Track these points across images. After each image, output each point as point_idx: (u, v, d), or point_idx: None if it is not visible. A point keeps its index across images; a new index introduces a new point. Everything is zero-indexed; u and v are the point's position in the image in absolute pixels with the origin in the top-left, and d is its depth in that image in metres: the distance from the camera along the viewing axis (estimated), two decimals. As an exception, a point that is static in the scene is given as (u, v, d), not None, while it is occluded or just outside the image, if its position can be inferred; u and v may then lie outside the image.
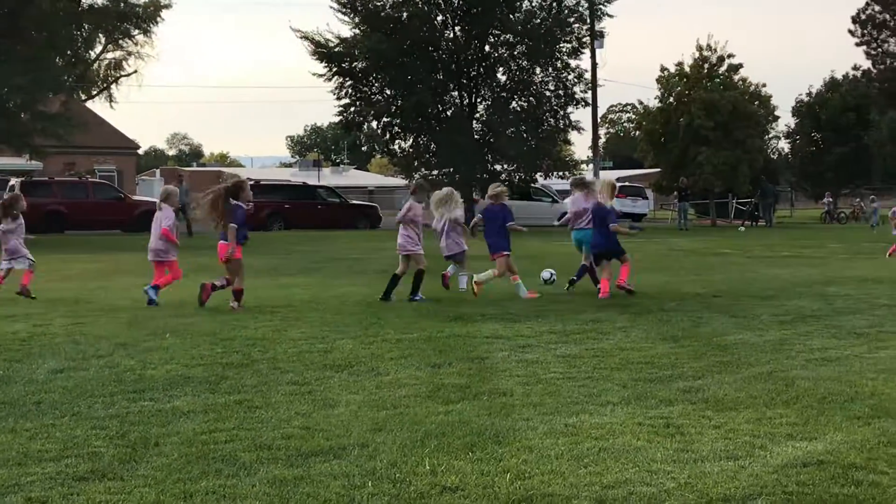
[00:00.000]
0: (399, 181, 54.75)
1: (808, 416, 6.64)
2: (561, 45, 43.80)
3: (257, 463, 5.67)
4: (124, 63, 58.84)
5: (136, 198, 42.49)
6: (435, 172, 44.04)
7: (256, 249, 25.70)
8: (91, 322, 11.52)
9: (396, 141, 45.60)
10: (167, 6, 54.25)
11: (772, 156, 73.20)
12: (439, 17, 43.69)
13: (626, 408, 6.98)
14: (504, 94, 44.33)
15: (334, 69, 42.89)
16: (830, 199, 55.99)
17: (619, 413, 6.82)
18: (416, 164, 44.82)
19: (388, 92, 43.59)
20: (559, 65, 44.23)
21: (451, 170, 42.84)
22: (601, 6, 45.23)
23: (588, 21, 45.47)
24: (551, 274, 16.47)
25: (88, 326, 11.15)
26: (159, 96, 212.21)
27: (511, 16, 42.94)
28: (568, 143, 53.90)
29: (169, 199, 14.40)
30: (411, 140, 45.12)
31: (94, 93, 59.57)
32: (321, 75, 43.04)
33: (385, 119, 43.85)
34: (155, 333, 10.50)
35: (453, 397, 7.36)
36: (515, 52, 43.98)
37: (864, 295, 14.26)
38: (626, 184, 56.78)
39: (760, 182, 49.31)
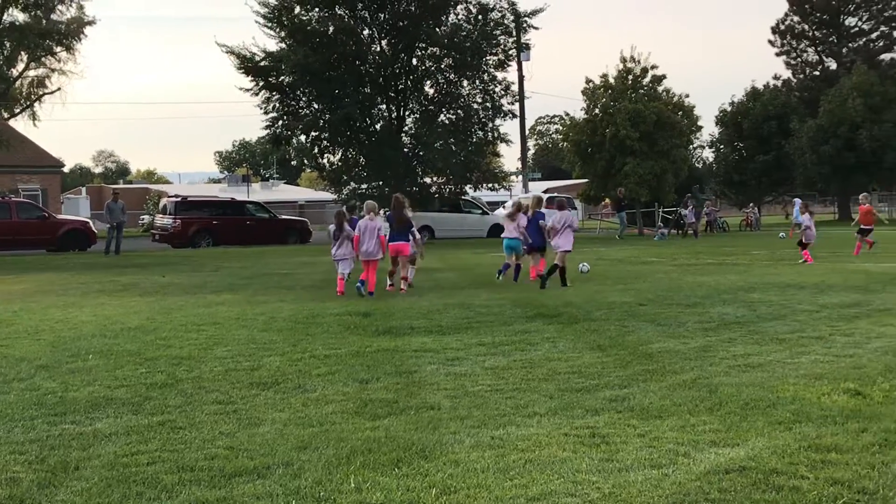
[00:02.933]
0: (329, 195, 54.38)
1: (730, 423, 6.71)
2: (487, 57, 44.03)
3: (179, 485, 5.57)
4: (47, 80, 57.72)
5: (60, 217, 41.74)
6: (364, 186, 43.97)
7: (183, 267, 25.41)
8: (12, 344, 11.27)
9: (325, 155, 45.49)
10: (91, 23, 53.34)
11: (696, 165, 74.40)
12: (366, 31, 43.70)
13: (552, 419, 6.99)
14: (432, 107, 44.44)
15: (261, 83, 42.67)
16: (753, 207, 56.87)
17: (546, 424, 6.83)
18: (345, 177, 44.72)
19: (315, 106, 43.47)
20: (486, 77, 44.45)
21: (381, 183, 42.78)
22: (526, 19, 45.61)
23: (514, 34, 45.79)
24: (586, 266, 20.83)
25: (9, 349, 10.90)
26: (85, 113, 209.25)
27: (437, 29, 43.04)
28: (497, 155, 54.23)
29: None
30: (340, 154, 45.05)
31: (17, 111, 58.41)
32: (248, 90, 42.83)
33: (313, 133, 43.75)
34: (77, 355, 10.30)
35: (381, 413, 7.31)
36: (443, 65, 44.12)
37: (786, 301, 14.49)
38: (555, 195, 57.19)
39: (693, 191, 49.98)
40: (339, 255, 17.67)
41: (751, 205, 57.66)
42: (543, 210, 20.14)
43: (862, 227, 26.62)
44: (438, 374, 8.93)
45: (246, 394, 8.13)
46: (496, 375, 8.75)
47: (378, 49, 43.89)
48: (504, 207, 55.12)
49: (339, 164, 45.20)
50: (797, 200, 47.39)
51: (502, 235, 20.08)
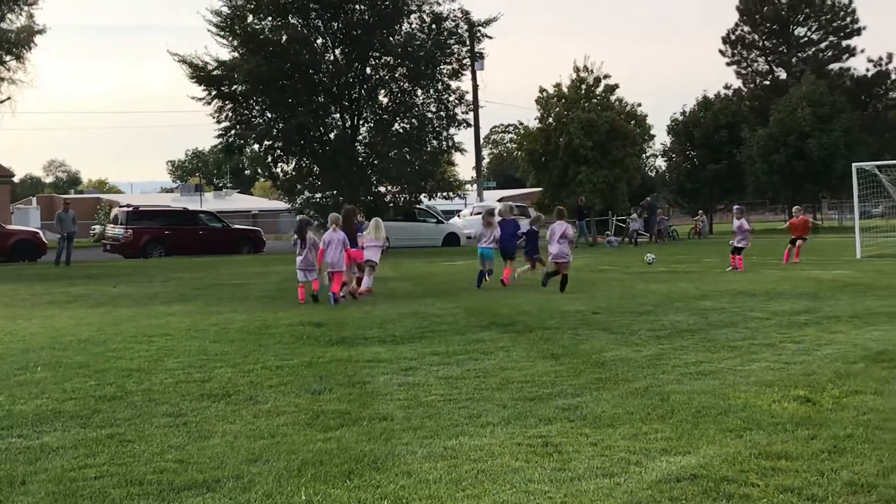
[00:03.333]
0: (283, 205, 54.14)
1: (682, 431, 6.73)
2: (441, 66, 44.08)
3: (127, 499, 5.49)
4: (-3, 90, 56.98)
5: (10, 227, 41.19)
6: (319, 195, 43.83)
7: (134, 277, 25.15)
8: (-42, 357, 11.07)
9: (279, 164, 45.31)
10: (41, 31, 52.83)
11: (649, 173, 74.93)
12: (319, 40, 43.61)
13: (505, 428, 6.98)
14: (386, 116, 44.39)
15: (213, 92, 42.42)
16: (702, 215, 57.27)
17: (499, 434, 6.81)
18: (299, 187, 44.56)
19: (268, 115, 43.27)
20: (440, 86, 44.49)
21: (335, 192, 42.67)
22: (480, 28, 45.73)
23: (467, 43, 45.90)
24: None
25: (-45, 362, 10.71)
26: (35, 123, 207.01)
27: (391, 38, 43.02)
28: (451, 164, 54.29)
29: None
30: (294, 163, 44.88)
31: (-34, 121, 57.66)
32: (200, 99, 42.55)
33: (266, 142, 43.55)
34: (26, 367, 10.14)
35: (333, 424, 7.25)
36: (397, 74, 44.10)
37: (738, 308, 14.62)
38: (510, 203, 57.35)
39: (649, 200, 50.34)
40: (302, 265, 17.71)
41: (699, 212, 58.13)
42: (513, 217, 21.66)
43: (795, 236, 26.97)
44: (391, 384, 8.89)
45: (196, 406, 8.04)
46: (450, 385, 8.72)
47: (332, 58, 43.80)
48: (460, 217, 55.36)
49: (293, 173, 45.06)
50: (738, 207, 47.83)
51: (479, 244, 20.75)
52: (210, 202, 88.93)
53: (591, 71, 51.63)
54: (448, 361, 10.08)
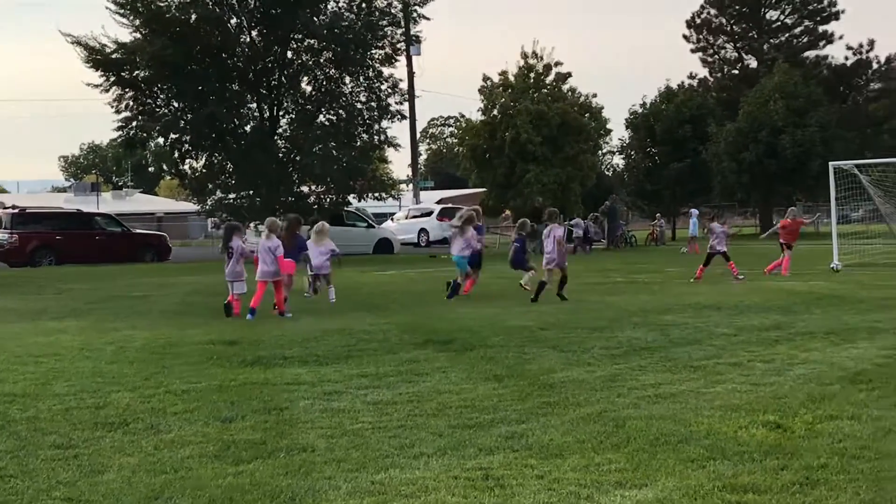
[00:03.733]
0: (192, 206, 53.72)
1: (638, 461, 6.79)
2: (373, 51, 44.00)
3: (8, 544, 5.41)
4: None
5: None
6: (232, 195, 43.54)
7: (20, 289, 24.81)
8: None
9: (187, 160, 44.96)
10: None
11: (606, 172, 75.54)
12: (233, 20, 43.29)
13: (441, 459, 6.99)
14: (310, 107, 44.24)
15: (112, 78, 41.91)
16: (660, 220, 57.77)
17: (434, 466, 6.82)
18: (210, 186, 44.24)
19: (175, 104, 42.89)
20: (371, 73, 44.40)
21: (252, 192, 42.44)
22: (416, 8, 45.72)
23: (402, 25, 45.88)
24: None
25: None
26: None
27: (315, 18, 42.82)
28: (384, 161, 54.30)
29: None
30: (204, 159, 44.54)
31: None
32: (97, 86, 42.03)
33: (173, 135, 43.10)
34: None
35: (245, 456, 7.22)
36: (322, 60, 43.97)
37: (702, 324, 14.78)
38: (449, 205, 57.58)
39: (610, 202, 50.73)
40: (231, 275, 17.98)
41: (658, 216, 58.70)
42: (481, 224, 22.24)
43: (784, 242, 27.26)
44: (313, 410, 8.86)
45: (89, 436, 7.95)
46: (379, 411, 8.72)
47: (248, 40, 43.54)
48: (393, 221, 55.34)
49: (203, 170, 44.73)
50: (694, 211, 48.49)
51: (451, 251, 21.54)
52: (108, 203, 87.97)
53: (541, 57, 52.04)
54: (378, 384, 10.07)
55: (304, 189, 44.38)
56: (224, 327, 15.61)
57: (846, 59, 75.85)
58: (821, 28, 76.10)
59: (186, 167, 45.13)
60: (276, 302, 17.69)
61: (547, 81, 52.04)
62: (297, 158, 43.34)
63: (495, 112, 51.77)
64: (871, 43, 75.23)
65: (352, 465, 6.88)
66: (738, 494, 6.00)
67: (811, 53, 76.74)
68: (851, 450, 6.95)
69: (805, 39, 76.68)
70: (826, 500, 5.85)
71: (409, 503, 5.97)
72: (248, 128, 43.99)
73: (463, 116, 57.65)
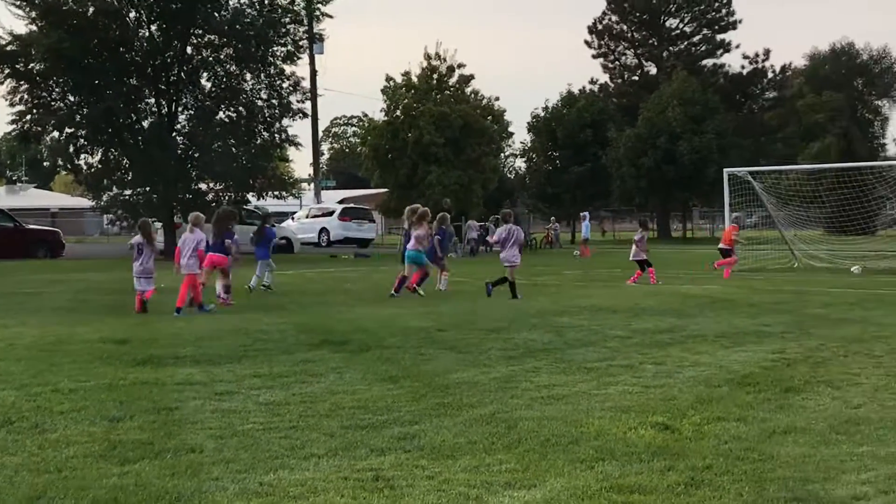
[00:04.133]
0: (87, 202, 52.76)
1: (529, 462, 6.82)
2: (274, 48, 43.69)
3: None
4: None
5: None
6: (129, 192, 42.91)
7: None
8: None
9: (83, 155, 44.13)
10: None
11: (508, 175, 76.02)
12: (132, 14, 42.66)
13: (332, 460, 6.95)
14: (210, 103, 43.77)
15: (6, 71, 41.03)
16: (555, 223, 58.23)
17: (324, 467, 6.78)
18: (106, 181, 43.51)
19: (71, 98, 42.16)
20: (273, 71, 44.12)
21: (148, 189, 41.86)
22: (319, 6, 45.52)
23: (305, 23, 45.63)
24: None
25: None
26: None
27: (216, 14, 42.40)
28: (285, 159, 53.88)
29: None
30: (100, 154, 43.79)
31: None
32: (-10, 78, 41.10)
33: (68, 129, 42.30)
34: None
35: (132, 456, 7.10)
36: (222, 56, 43.56)
37: (598, 326, 14.93)
38: (351, 206, 57.43)
39: (508, 211, 50.96)
40: (138, 273, 18.15)
41: (552, 219, 59.17)
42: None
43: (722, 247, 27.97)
44: (204, 410, 8.76)
45: (-29, 436, 7.77)
46: (271, 412, 8.65)
47: (146, 35, 42.94)
48: (294, 220, 54.97)
49: (99, 165, 43.97)
50: (585, 214, 49.11)
51: (408, 247, 21.80)
52: (1, 198, 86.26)
53: (444, 59, 52.19)
54: (271, 385, 9.99)
55: (203, 186, 43.91)
56: (116, 325, 15.37)
57: (742, 67, 77.47)
58: (718, 37, 77.57)
59: (82, 162, 44.28)
60: (194, 295, 18.03)
61: (450, 83, 52.21)
62: (196, 155, 42.87)
63: (398, 113, 51.79)
64: (767, 52, 76.98)
65: (240, 466, 6.80)
66: (625, 495, 6.05)
67: (709, 62, 78.18)
68: (736, 451, 7.06)
69: (703, 48, 78.07)
70: (710, 501, 5.92)
71: (297, 504, 5.93)
72: (145, 123, 43.39)
73: (366, 116, 57.71)
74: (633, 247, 24.80)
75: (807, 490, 6.09)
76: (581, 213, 51.58)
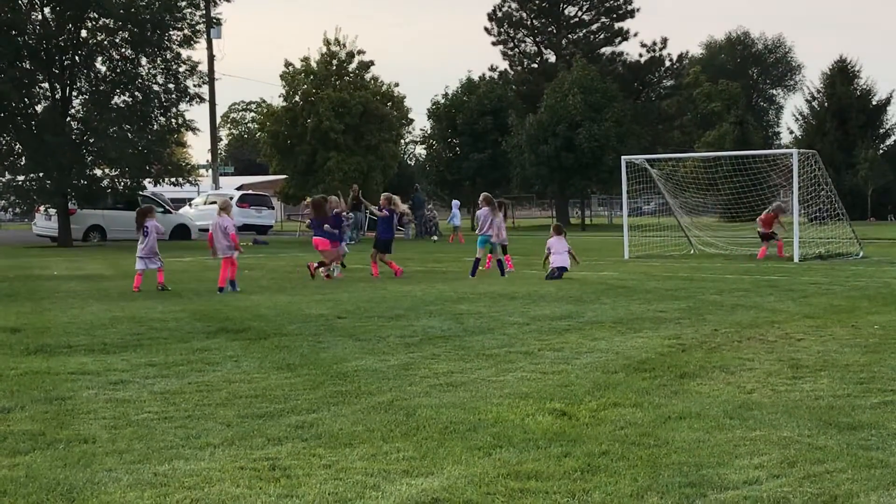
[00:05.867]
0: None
1: (426, 449, 6.83)
2: (171, 32, 43.07)
3: None
4: None
5: None
6: (21, 178, 42.01)
7: None
8: None
9: (-26, 140, 43.07)
10: None
11: (408, 162, 76.00)
12: (24, -4, 41.71)
13: (228, 450, 6.89)
14: (104, 88, 43.00)
15: None
16: (434, 212, 58.15)
17: (220, 456, 6.72)
18: (-2, 168, 42.54)
19: (-39, 82, 41.07)
20: (169, 55, 43.48)
21: (42, 175, 41.01)
22: (216, -10, 45.01)
23: (202, 7, 45.08)
24: None
25: None
26: None
27: (111, -3, 41.64)
28: (182, 145, 53.22)
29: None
30: (-8, 140, 42.79)
31: None
32: None
33: (-42, 114, 41.27)
34: None
35: (22, 448, 6.96)
36: (117, 40, 42.78)
37: (496, 313, 15.00)
38: (250, 192, 56.94)
39: (415, 192, 50.94)
40: (142, 253, 19.73)
41: (429, 207, 59.10)
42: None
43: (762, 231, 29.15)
44: (97, 400, 8.62)
45: None
46: (166, 401, 8.54)
47: (39, 18, 42.04)
48: (191, 206, 54.30)
49: (-9, 151, 42.97)
50: (455, 202, 49.42)
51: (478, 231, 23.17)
52: None
53: (344, 45, 51.89)
54: (166, 373, 9.87)
55: (98, 172, 43.19)
56: (7, 313, 15.07)
57: (640, 56, 78.24)
58: (616, 25, 78.27)
59: (-27, 148, 43.17)
60: (220, 276, 19.22)
61: (350, 69, 51.98)
62: (91, 141, 42.11)
63: (297, 99, 51.43)
64: (664, 41, 77.77)
65: (134, 457, 6.70)
66: (522, 481, 6.08)
67: (607, 50, 78.89)
68: (632, 437, 7.14)
69: (602, 36, 78.74)
70: (605, 486, 5.98)
71: (191, 495, 5.85)
72: (39, 108, 42.50)
73: (264, 102, 57.11)
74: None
75: (701, 475, 6.18)
76: (453, 202, 51.83)
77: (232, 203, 21.04)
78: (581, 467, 6.36)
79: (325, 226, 22.21)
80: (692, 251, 31.66)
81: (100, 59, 43.23)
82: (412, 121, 59.78)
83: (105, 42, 42.86)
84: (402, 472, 6.30)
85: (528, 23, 78.86)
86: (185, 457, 6.71)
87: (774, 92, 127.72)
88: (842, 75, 77.05)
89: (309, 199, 24.86)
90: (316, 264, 22.24)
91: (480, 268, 22.74)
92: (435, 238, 48.12)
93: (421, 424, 7.56)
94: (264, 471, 6.35)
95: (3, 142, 42.60)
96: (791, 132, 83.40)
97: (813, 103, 79.05)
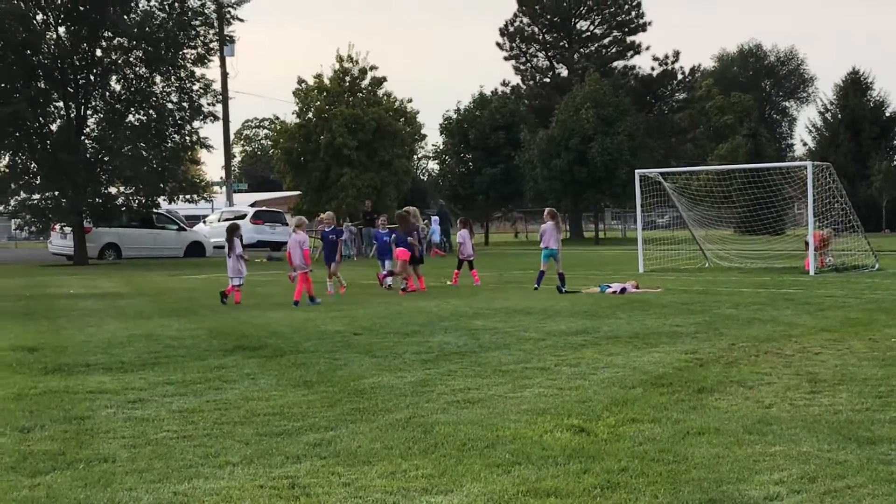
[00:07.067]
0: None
1: (445, 466, 6.83)
2: (185, 51, 43.24)
3: None
4: None
5: None
6: (37, 196, 42.17)
7: None
8: None
9: (-11, 159, 43.23)
10: None
11: (421, 177, 76.06)
12: (39, 16, 41.92)
13: (247, 468, 6.90)
14: (119, 106, 43.16)
15: None
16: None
17: (239, 475, 6.73)
18: (13, 186, 42.66)
19: (-24, 101, 41.23)
20: (183, 73, 43.63)
21: (57, 193, 41.16)
22: (230, 9, 45.18)
23: (216, 25, 45.26)
24: None
25: None
26: None
27: (126, 17, 41.85)
28: (196, 162, 53.37)
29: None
30: (7, 158, 42.93)
31: None
32: None
33: (-27, 134, 41.41)
34: None
35: (43, 467, 6.98)
36: (132, 58, 42.96)
37: (512, 328, 14.99)
38: (264, 209, 57.04)
39: (440, 208, 50.90)
40: (230, 272, 20.50)
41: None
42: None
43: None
44: (116, 419, 8.64)
45: None
46: (184, 419, 8.56)
47: (54, 37, 42.24)
48: (206, 223, 54.45)
49: (6, 170, 43.09)
50: (435, 219, 49.35)
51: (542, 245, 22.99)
52: None
53: (357, 61, 52.01)
54: (184, 392, 9.89)
55: (113, 190, 43.34)
56: (25, 333, 15.11)
57: (652, 69, 78.33)
58: (629, 39, 78.35)
59: (-12, 166, 43.34)
60: (297, 290, 20.01)
61: (362, 85, 52.08)
62: (106, 159, 42.26)
63: (310, 115, 51.55)
64: (676, 54, 77.87)
65: (154, 476, 6.72)
66: (541, 499, 6.08)
67: (619, 63, 78.94)
68: (651, 453, 7.13)
69: (614, 50, 78.83)
70: (625, 503, 5.97)
71: (212, 514, 5.87)
72: (54, 127, 42.67)
73: (278, 119, 57.14)
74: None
75: (721, 491, 6.17)
76: (432, 217, 51.74)
77: (305, 220, 22.33)
78: (600, 484, 6.35)
79: (409, 238, 23.28)
80: (707, 264, 31.58)
81: (114, 77, 43.43)
82: (425, 136, 59.82)
83: (119, 61, 43.05)
84: (421, 490, 6.30)
85: (540, 37, 78.95)
86: (204, 475, 6.72)
87: (787, 104, 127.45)
88: (855, 87, 77.02)
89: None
90: (384, 273, 23.61)
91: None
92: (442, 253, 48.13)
93: (439, 441, 7.56)
94: (284, 489, 6.35)
95: (19, 160, 42.76)
96: (804, 144, 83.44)
97: (826, 115, 79.02)
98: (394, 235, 23.86)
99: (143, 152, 42.56)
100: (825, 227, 29.70)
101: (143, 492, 6.34)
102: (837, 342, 12.84)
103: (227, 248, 20.93)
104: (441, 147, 70.19)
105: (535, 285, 22.49)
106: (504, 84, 78.70)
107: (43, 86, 41.98)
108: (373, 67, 52.20)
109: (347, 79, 51.64)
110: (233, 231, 20.96)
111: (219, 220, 54.32)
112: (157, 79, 43.59)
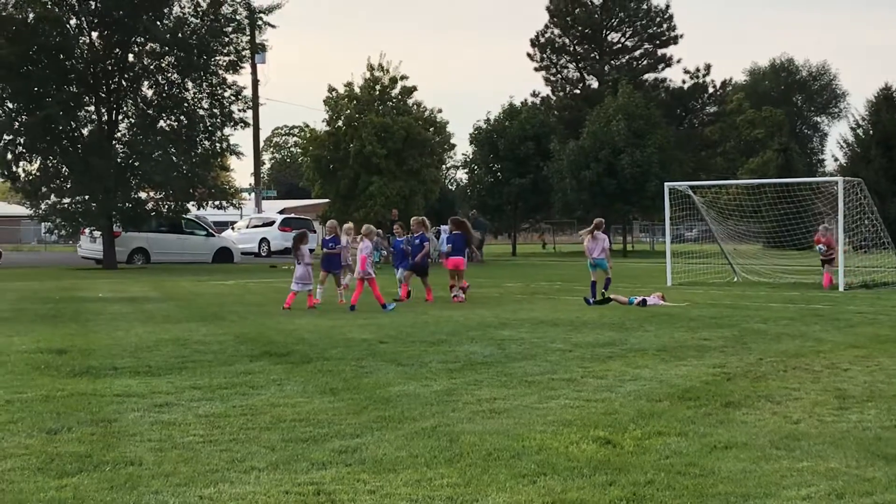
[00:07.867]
0: (24, 210, 52.01)
1: (471, 476, 6.82)
2: (217, 57, 43.43)
3: None
4: None
5: None
6: (67, 200, 42.43)
7: None
8: None
9: (21, 163, 43.51)
10: None
11: (449, 187, 76.07)
12: (73, 21, 42.23)
13: (272, 474, 6.91)
14: (151, 112, 43.39)
15: (-57, 77, 40.41)
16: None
17: (265, 480, 6.74)
18: (44, 189, 42.96)
19: (9, 105, 41.56)
20: (215, 80, 43.81)
21: (88, 197, 41.41)
22: (261, 16, 45.28)
23: (247, 32, 45.45)
24: None
25: None
26: None
27: (158, 22, 42.09)
28: (226, 168, 53.56)
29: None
30: (39, 162, 43.24)
31: None
32: (-76, 84, 40.43)
33: (6, 137, 41.68)
34: None
35: (70, 469, 7.02)
36: (164, 64, 43.20)
37: (538, 339, 14.97)
38: (292, 216, 57.23)
39: (475, 218, 50.93)
40: (297, 279, 20.78)
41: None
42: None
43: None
44: (143, 422, 8.68)
45: None
46: (211, 424, 8.58)
47: (87, 42, 42.54)
48: (234, 229, 54.71)
49: (38, 173, 43.39)
50: (444, 228, 49.17)
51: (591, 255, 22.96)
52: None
53: (387, 70, 52.20)
54: (211, 396, 9.92)
55: (143, 195, 43.56)
56: (53, 335, 15.19)
57: (683, 82, 78.15)
58: (660, 51, 78.24)
59: (20, 170, 43.62)
60: (354, 296, 20.67)
61: (392, 94, 52.23)
62: (136, 164, 42.45)
63: (340, 123, 51.73)
64: (708, 67, 77.70)
65: (180, 480, 6.74)
66: (567, 510, 6.07)
67: (650, 76, 78.81)
68: (678, 466, 7.11)
69: (645, 62, 78.71)
70: (651, 516, 5.96)
71: (237, 519, 5.89)
72: (85, 131, 42.93)
73: (307, 126, 57.33)
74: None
75: (747, 505, 6.14)
76: (441, 227, 51.69)
77: (374, 229, 22.56)
78: (626, 496, 6.34)
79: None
80: (735, 279, 31.44)
81: (146, 83, 43.70)
82: (454, 146, 59.88)
83: (151, 66, 43.31)
84: (446, 499, 6.30)
85: (571, 49, 78.92)
86: (230, 480, 6.74)
87: (819, 119, 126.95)
88: (887, 103, 76.42)
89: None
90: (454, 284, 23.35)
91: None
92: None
93: (465, 451, 7.55)
94: (309, 496, 6.37)
95: (50, 164, 43.05)
96: (836, 160, 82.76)
97: (858, 131, 78.49)
98: (450, 244, 23.89)
99: (174, 158, 42.75)
100: (824, 229, 29.40)
101: (169, 495, 6.37)
102: (866, 358, 12.76)
103: (293, 255, 21.32)
104: (470, 157, 70.14)
105: (591, 297, 22.24)
106: (534, 95, 78.72)
107: (75, 90, 42.24)
108: (403, 77, 52.38)
109: (378, 87, 51.80)
110: (300, 240, 21.23)
111: (247, 227, 54.58)
112: (189, 85, 43.79)
